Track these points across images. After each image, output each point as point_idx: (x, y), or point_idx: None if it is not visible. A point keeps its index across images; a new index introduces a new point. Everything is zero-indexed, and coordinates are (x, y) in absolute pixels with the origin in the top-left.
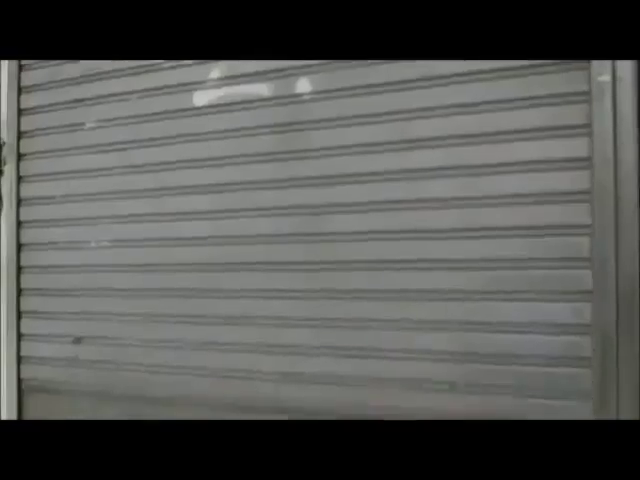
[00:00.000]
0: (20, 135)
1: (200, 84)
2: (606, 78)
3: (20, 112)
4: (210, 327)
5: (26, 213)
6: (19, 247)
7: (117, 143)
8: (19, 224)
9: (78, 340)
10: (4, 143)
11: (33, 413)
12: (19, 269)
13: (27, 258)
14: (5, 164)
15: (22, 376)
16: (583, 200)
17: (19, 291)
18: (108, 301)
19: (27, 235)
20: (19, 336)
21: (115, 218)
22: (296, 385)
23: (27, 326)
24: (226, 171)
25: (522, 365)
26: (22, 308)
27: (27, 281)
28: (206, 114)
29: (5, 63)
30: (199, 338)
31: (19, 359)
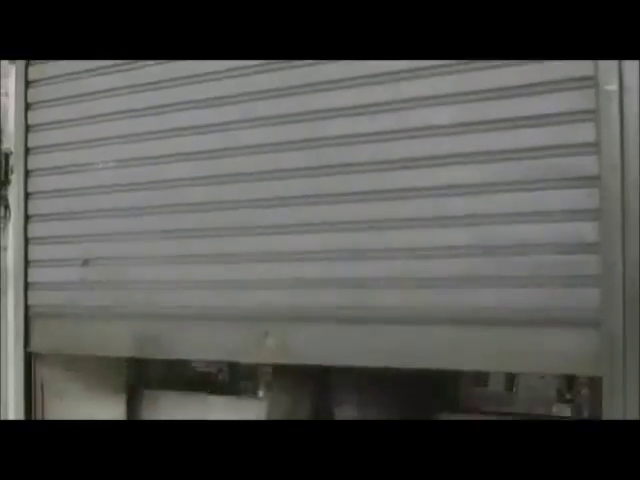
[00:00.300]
0: (29, 62)
1: None
2: (613, 87)
3: None
4: (213, 239)
5: (33, 140)
6: (27, 173)
7: (120, 64)
8: (27, 151)
9: (85, 262)
10: (11, 152)
11: (40, 339)
12: (27, 195)
13: (34, 184)
14: (12, 173)
15: (29, 302)
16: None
17: (26, 218)
18: (114, 221)
19: (34, 161)
20: (26, 263)
21: (119, 138)
22: (299, 291)
23: (34, 252)
24: (228, 84)
25: (529, 255)
26: (29, 235)
27: (34, 207)
28: None
29: None
30: (202, 251)
31: (26, 286)
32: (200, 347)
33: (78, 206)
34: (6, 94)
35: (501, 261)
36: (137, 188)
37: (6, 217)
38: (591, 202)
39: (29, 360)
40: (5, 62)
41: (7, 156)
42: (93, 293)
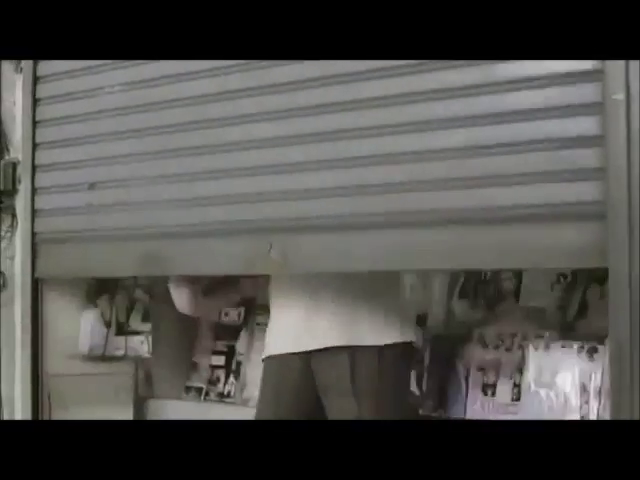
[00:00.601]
0: None
1: None
2: (620, 96)
3: None
4: (213, 155)
5: (42, 69)
6: (35, 102)
7: None
8: (36, 80)
9: (91, 186)
10: (19, 162)
11: (46, 265)
12: (34, 123)
13: (43, 112)
14: (20, 182)
15: (36, 230)
16: None
17: (34, 146)
18: (116, 145)
19: (43, 90)
20: (33, 190)
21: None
22: (302, 202)
23: (41, 179)
24: None
25: (528, 152)
26: (37, 162)
27: (42, 135)
28: None
29: None
30: (203, 168)
31: (33, 213)
32: (204, 262)
33: (83, 132)
34: (14, 103)
35: (498, 160)
36: (138, 110)
37: (13, 226)
38: (592, 96)
39: (36, 287)
40: (11, 70)
41: (15, 165)
42: (98, 216)
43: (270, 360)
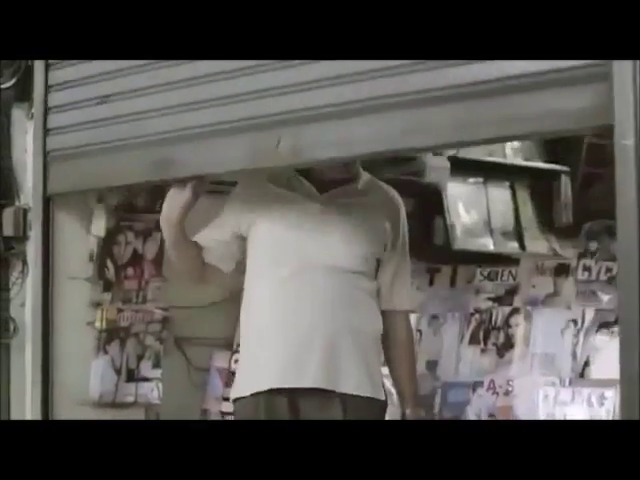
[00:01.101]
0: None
1: None
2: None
3: None
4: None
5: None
6: None
7: None
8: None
9: (103, 100)
10: (30, 208)
11: (58, 181)
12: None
13: None
14: (31, 229)
15: (48, 148)
16: None
17: (47, 66)
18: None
19: None
20: (46, 110)
21: None
22: (305, 93)
23: (54, 99)
24: None
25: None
26: (50, 82)
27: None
28: None
29: None
30: (208, 70)
31: (45, 132)
32: (214, 162)
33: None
34: (25, 150)
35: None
36: None
37: (24, 273)
38: None
39: (48, 204)
40: (23, 117)
41: (25, 212)
42: (109, 129)
43: (251, 398)
